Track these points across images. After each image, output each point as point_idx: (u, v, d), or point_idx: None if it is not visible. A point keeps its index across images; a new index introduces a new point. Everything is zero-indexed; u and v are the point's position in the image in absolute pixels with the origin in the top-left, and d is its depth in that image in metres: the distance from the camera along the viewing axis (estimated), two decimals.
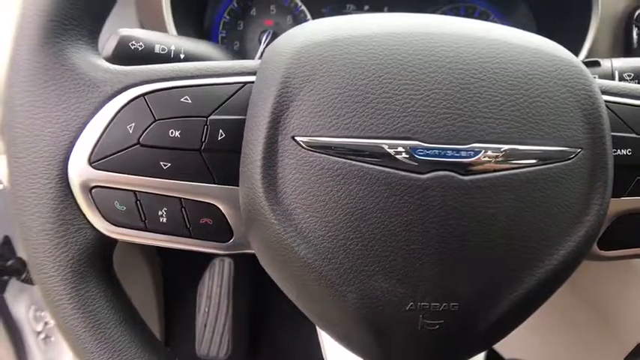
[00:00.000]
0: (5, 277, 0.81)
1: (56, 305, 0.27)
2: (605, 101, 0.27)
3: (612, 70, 0.38)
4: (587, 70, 0.26)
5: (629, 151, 0.27)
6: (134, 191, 0.26)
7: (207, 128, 0.26)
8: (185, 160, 0.26)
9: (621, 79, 0.37)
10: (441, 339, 0.25)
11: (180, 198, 0.26)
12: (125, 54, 0.33)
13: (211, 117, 0.26)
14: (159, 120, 0.26)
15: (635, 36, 0.48)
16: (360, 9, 0.58)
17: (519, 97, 0.24)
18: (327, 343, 0.32)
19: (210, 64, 0.28)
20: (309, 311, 0.27)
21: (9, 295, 0.82)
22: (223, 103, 0.26)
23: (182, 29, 0.48)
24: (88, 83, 0.26)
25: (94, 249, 0.27)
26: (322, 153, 0.24)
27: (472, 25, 0.26)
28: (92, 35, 0.28)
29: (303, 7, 0.56)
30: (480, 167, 0.23)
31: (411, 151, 0.23)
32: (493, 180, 0.24)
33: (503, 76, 0.24)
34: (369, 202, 0.24)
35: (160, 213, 0.26)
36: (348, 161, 0.24)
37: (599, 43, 0.49)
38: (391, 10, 0.58)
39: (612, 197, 0.27)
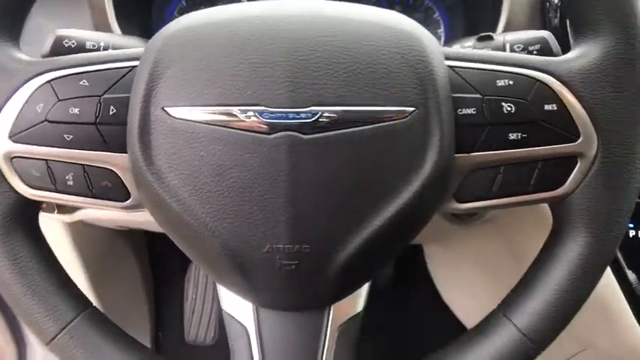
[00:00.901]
0: None
1: None
2: (452, 66, 0.30)
3: (504, 43, 0.40)
4: (424, 41, 0.29)
5: (474, 110, 0.30)
6: (45, 160, 0.31)
7: (100, 105, 0.30)
8: (84, 132, 0.30)
9: (512, 50, 0.40)
10: (300, 278, 0.29)
11: (82, 164, 0.31)
12: (60, 51, 0.38)
13: (104, 96, 0.30)
14: (62, 100, 0.30)
15: (548, 12, 0.51)
16: None
17: (355, 65, 0.28)
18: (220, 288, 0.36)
19: (108, 53, 0.33)
20: (193, 258, 0.31)
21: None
22: (114, 84, 0.31)
23: (127, 30, 0.52)
24: (5, 72, 0.31)
25: (18, 208, 0.32)
26: (186, 120, 0.28)
27: (320, 6, 0.30)
28: (11, 34, 0.33)
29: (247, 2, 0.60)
30: (318, 127, 0.27)
31: (258, 115, 0.27)
32: (331, 138, 0.27)
33: (340, 48, 0.28)
34: (226, 160, 0.28)
35: (67, 177, 0.31)
36: (207, 126, 0.28)
37: (516, 21, 0.52)
38: None
39: (462, 153, 0.30)
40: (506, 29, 0.51)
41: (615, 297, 0.52)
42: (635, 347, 0.52)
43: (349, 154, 0.28)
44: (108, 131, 0.30)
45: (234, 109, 0.27)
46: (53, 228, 0.75)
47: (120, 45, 0.40)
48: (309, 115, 0.27)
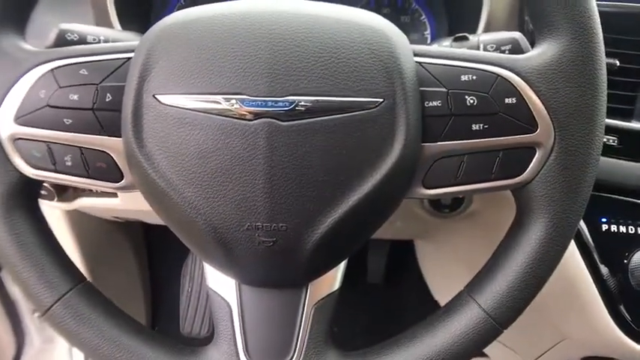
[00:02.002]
0: None
1: None
2: (420, 62, 0.33)
3: (478, 43, 0.43)
4: (394, 38, 0.32)
5: (440, 103, 0.33)
6: (46, 142, 0.33)
7: (97, 93, 0.33)
8: (82, 117, 0.33)
9: (485, 49, 0.43)
10: (277, 255, 0.32)
11: (80, 147, 0.33)
12: (63, 43, 0.40)
13: (101, 84, 0.33)
14: (62, 87, 0.33)
15: (525, 16, 0.54)
16: None
17: (328, 59, 0.30)
18: (206, 266, 0.38)
19: (106, 45, 0.35)
20: (181, 236, 0.34)
21: (6, 274, 0.91)
22: (111, 73, 0.33)
23: (127, 27, 0.55)
24: (12, 60, 0.34)
25: (20, 186, 0.34)
26: (175, 107, 0.31)
27: (299, 5, 0.32)
28: (18, 26, 0.36)
29: None
30: (295, 115, 0.30)
31: (240, 103, 0.30)
32: (306, 125, 0.30)
33: (316, 43, 0.31)
34: (210, 144, 0.30)
35: (65, 158, 0.34)
36: (194, 113, 0.30)
37: (495, 24, 0.54)
38: None
39: (429, 142, 0.33)
40: (486, 31, 0.53)
41: (589, 290, 0.55)
42: (606, 335, 0.55)
43: (322, 140, 0.30)
44: (104, 116, 0.33)
45: (219, 98, 0.30)
46: (52, 220, 0.77)
47: (118, 39, 0.42)
48: (287, 103, 0.30)
